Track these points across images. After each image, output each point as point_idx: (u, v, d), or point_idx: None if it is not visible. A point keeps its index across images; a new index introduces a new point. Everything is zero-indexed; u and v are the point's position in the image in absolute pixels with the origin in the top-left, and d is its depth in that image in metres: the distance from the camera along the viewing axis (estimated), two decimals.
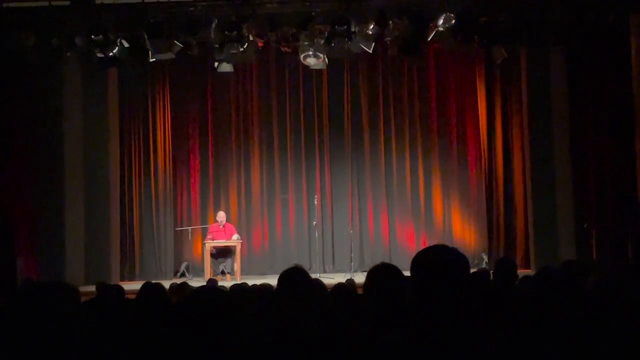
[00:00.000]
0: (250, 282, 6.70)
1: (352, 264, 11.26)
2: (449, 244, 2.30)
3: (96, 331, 3.46)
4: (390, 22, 9.28)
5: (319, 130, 12.52)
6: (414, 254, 2.27)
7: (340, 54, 9.78)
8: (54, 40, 9.26)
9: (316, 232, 11.65)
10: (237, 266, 11.11)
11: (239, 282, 8.56)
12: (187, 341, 2.44)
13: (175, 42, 9.40)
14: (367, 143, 12.48)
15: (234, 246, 11.22)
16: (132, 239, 12.22)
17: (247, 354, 2.43)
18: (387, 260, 8.04)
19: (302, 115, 12.50)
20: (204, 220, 12.29)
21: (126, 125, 12.30)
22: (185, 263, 12.03)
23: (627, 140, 9.96)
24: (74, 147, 11.11)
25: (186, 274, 11.78)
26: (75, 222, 11.02)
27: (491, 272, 5.42)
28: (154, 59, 9.70)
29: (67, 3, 9.18)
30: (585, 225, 10.57)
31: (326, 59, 9.94)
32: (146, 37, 9.18)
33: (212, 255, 11.21)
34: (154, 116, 12.41)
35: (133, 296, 5.01)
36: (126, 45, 9.49)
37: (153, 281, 5.17)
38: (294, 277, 3.16)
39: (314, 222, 11.66)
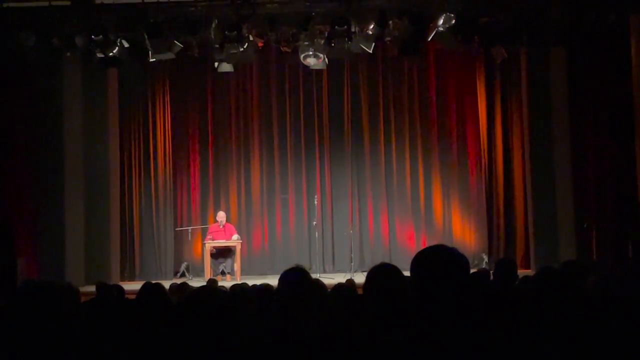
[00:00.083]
0: (250, 283, 6.69)
1: (352, 264, 11.26)
2: (449, 244, 2.30)
3: (96, 331, 3.46)
4: (390, 22, 9.28)
5: (319, 130, 12.52)
6: (414, 254, 2.27)
7: (340, 54, 9.78)
8: (54, 40, 9.26)
9: (316, 232, 11.65)
10: (237, 266, 11.12)
11: (239, 282, 8.56)
12: (187, 341, 2.44)
13: (175, 42, 9.40)
14: (367, 143, 12.48)
15: (234, 246, 11.22)
16: (132, 239, 12.22)
17: (247, 354, 2.43)
18: (387, 260, 8.04)
19: (302, 115, 12.50)
20: (204, 220, 12.30)
21: (126, 125, 12.30)
22: (185, 263, 12.03)
23: (627, 140, 9.97)
24: (74, 147, 11.10)
25: (186, 274, 11.78)
26: (75, 222, 11.02)
27: (491, 272, 5.42)
28: (154, 59, 9.70)
29: (67, 3, 9.18)
30: (585, 225, 10.58)
31: (326, 59, 9.94)
32: (146, 37, 9.17)
33: (212, 255, 11.21)
34: (154, 116, 12.41)
35: (133, 296, 5.01)
36: (126, 45, 9.50)
37: (153, 281, 5.17)
38: (295, 277, 3.16)
39: (314, 222, 11.66)
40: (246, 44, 9.23)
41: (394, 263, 3.13)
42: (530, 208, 11.52)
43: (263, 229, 12.51)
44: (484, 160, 12.21)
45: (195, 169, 12.54)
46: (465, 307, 2.12)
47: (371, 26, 9.28)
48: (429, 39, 9.54)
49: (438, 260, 2.19)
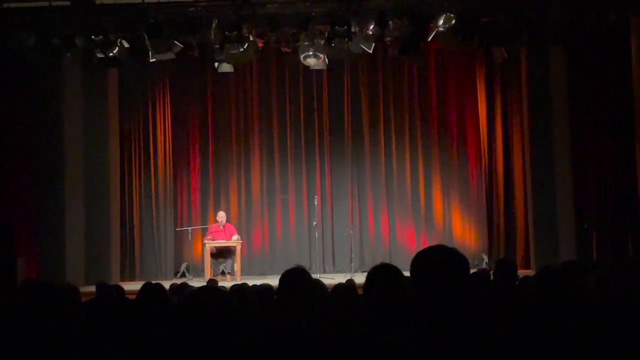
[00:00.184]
0: (250, 283, 6.69)
1: (352, 264, 11.26)
2: (449, 244, 2.30)
3: (96, 331, 3.46)
4: (390, 22, 9.27)
5: (319, 130, 12.52)
6: (414, 254, 2.27)
7: (340, 54, 9.78)
8: (54, 40, 9.25)
9: (316, 233, 11.65)
10: (237, 266, 11.11)
11: (239, 282, 8.56)
12: (187, 342, 2.44)
13: (175, 42, 9.39)
14: (367, 143, 12.48)
15: (234, 246, 11.22)
16: (132, 239, 12.22)
17: (248, 354, 2.43)
18: (387, 261, 8.05)
19: (302, 116, 12.50)
20: (204, 220, 12.29)
21: (126, 125, 12.29)
22: (186, 263, 12.02)
23: (627, 140, 9.97)
24: (74, 147, 11.10)
25: (186, 274, 11.78)
26: (75, 222, 11.01)
27: (491, 272, 5.42)
28: (154, 59, 9.69)
29: (67, 3, 9.16)
30: (585, 225, 10.58)
31: (326, 59, 9.94)
32: (146, 37, 9.17)
33: (212, 255, 11.21)
34: (154, 116, 12.40)
35: (133, 296, 5.01)
36: (126, 45, 9.49)
37: (153, 281, 5.17)
38: (295, 278, 3.16)
39: (314, 223, 11.66)
40: (246, 44, 9.22)
41: (394, 263, 3.13)
42: (530, 208, 11.52)
43: (263, 229, 12.51)
44: (484, 160, 12.21)
45: (195, 169, 12.54)
46: (465, 307, 2.12)
47: (371, 26, 9.27)
48: (429, 39, 9.54)
49: (438, 260, 2.19)
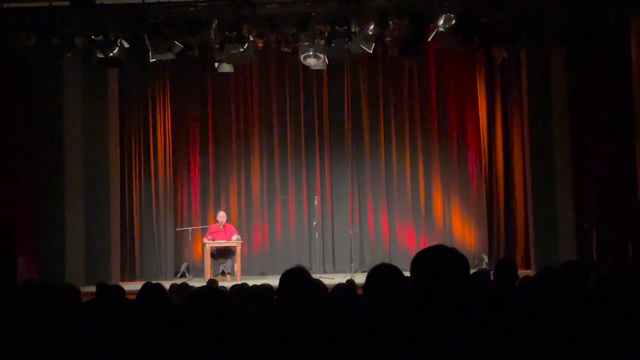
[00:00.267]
0: (250, 283, 6.69)
1: (353, 264, 11.27)
2: (449, 244, 2.30)
3: (96, 331, 3.46)
4: (390, 22, 9.28)
5: (319, 130, 12.52)
6: (414, 254, 2.27)
7: (340, 54, 9.78)
8: (54, 41, 9.25)
9: (316, 233, 11.65)
10: (237, 266, 11.11)
11: (239, 282, 8.56)
12: (187, 342, 2.44)
13: (175, 42, 9.39)
14: (367, 143, 12.47)
15: (234, 246, 11.22)
16: (132, 239, 12.21)
17: (248, 354, 2.43)
18: (387, 261, 8.06)
19: (302, 116, 12.50)
20: (204, 220, 12.29)
21: (126, 125, 12.29)
22: (186, 263, 12.02)
23: (627, 140, 9.97)
24: (74, 147, 11.11)
25: (186, 274, 11.77)
26: (75, 222, 11.02)
27: (491, 272, 5.42)
28: (154, 59, 9.69)
29: (67, 3, 9.17)
30: (585, 225, 10.58)
31: (326, 60, 9.94)
32: (146, 37, 9.17)
33: (212, 255, 11.21)
34: (154, 116, 12.40)
35: (133, 296, 5.01)
36: (126, 45, 9.49)
37: (153, 281, 5.17)
38: (295, 278, 3.17)
39: (314, 223, 11.66)
40: (246, 44, 9.23)
41: (394, 263, 3.13)
42: (530, 208, 11.52)
43: (263, 229, 12.50)
44: (484, 160, 12.21)
45: (195, 169, 12.53)
46: (465, 307, 2.12)
47: (371, 26, 9.27)
48: (429, 39, 9.53)
49: (438, 260, 2.19)
